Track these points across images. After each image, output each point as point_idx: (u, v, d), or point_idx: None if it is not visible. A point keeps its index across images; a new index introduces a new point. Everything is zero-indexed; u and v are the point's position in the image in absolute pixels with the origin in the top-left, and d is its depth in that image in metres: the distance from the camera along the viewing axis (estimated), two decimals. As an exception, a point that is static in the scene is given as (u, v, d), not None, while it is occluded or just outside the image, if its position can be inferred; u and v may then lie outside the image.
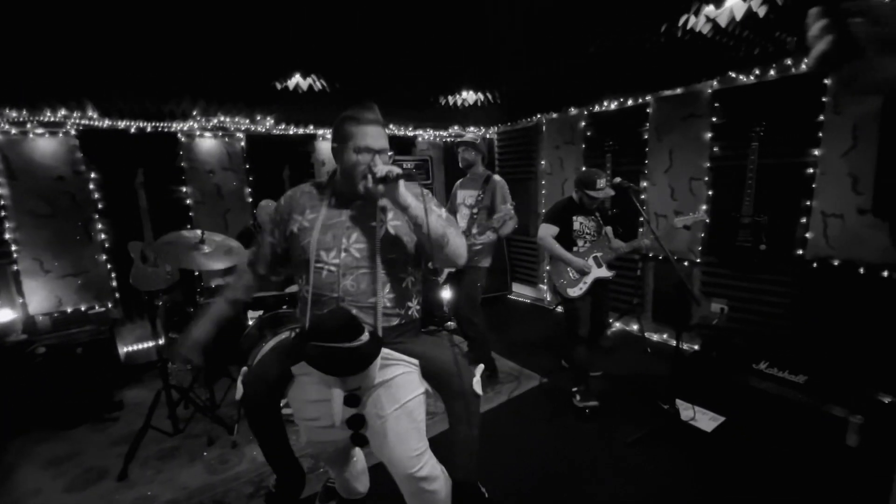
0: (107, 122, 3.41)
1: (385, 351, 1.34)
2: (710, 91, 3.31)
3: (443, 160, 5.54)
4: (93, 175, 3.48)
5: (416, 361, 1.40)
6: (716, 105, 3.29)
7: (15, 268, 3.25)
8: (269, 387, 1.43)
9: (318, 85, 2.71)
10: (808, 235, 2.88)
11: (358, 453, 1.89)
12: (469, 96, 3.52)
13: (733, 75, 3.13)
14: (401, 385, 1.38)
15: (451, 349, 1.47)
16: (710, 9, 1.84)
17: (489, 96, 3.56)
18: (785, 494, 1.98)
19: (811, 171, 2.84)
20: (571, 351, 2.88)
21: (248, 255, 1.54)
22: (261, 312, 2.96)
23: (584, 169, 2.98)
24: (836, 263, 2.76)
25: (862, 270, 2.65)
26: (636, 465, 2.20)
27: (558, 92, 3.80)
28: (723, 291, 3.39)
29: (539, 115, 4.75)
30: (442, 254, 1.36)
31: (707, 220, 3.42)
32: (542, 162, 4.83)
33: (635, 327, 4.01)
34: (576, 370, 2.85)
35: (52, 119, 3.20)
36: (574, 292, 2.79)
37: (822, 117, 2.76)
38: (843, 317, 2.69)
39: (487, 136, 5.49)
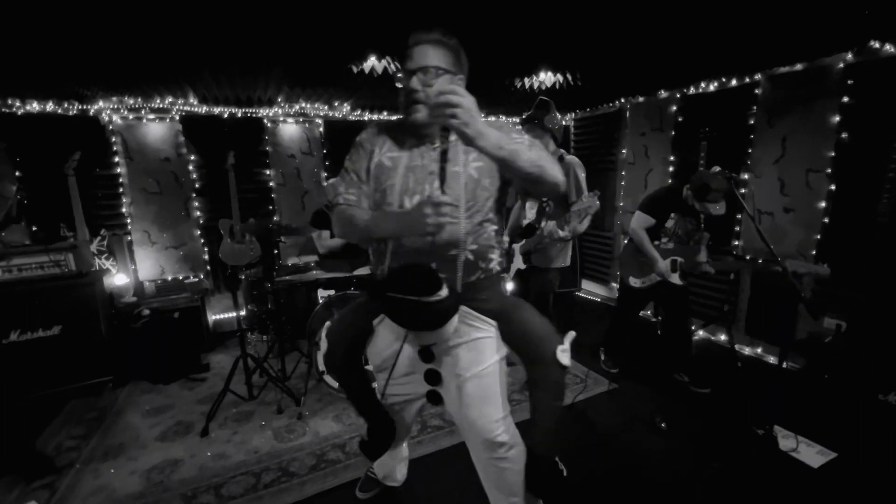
0: (204, 109, 3.73)
1: (464, 309, 1.27)
2: (841, 66, 2.77)
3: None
4: (192, 157, 3.83)
5: (494, 323, 1.32)
6: (849, 83, 2.75)
7: (129, 238, 3.70)
8: (350, 341, 1.43)
9: (392, 68, 2.70)
10: (970, 244, 2.32)
11: (405, 442, 1.88)
12: (547, 78, 3.31)
13: (876, 45, 2.58)
14: (480, 348, 1.31)
15: (535, 312, 1.34)
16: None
17: (569, 78, 3.32)
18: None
19: (982, 163, 2.28)
20: (610, 329, 3.12)
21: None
22: (331, 292, 3.08)
23: (708, 171, 2.49)
24: None
25: None
26: (721, 497, 1.94)
27: (647, 72, 3.44)
28: (841, 305, 2.87)
29: (623, 100, 4.37)
30: (542, 188, 1.19)
31: (825, 220, 2.91)
32: (624, 150, 4.45)
33: (724, 338, 3.57)
34: (607, 342, 3.16)
35: (160, 106, 3.56)
36: (635, 283, 2.80)
37: None
38: None
39: (563, 122, 5.19)
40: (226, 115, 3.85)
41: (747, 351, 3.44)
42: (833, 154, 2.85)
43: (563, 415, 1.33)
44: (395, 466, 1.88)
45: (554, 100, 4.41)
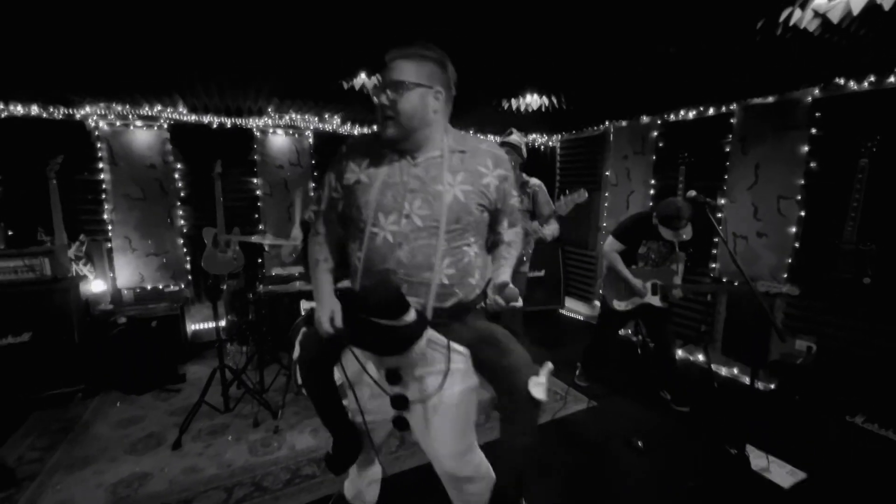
0: (193, 117, 3.73)
1: (433, 335, 1.20)
2: (810, 99, 2.93)
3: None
4: (178, 165, 3.81)
5: (466, 352, 1.24)
6: (816, 115, 2.91)
7: (109, 245, 3.64)
8: (322, 347, 1.34)
9: (381, 85, 2.76)
10: (929, 271, 2.44)
11: (377, 462, 1.85)
12: (533, 101, 3.41)
13: (841, 82, 2.74)
14: (449, 377, 1.24)
15: (511, 339, 1.24)
16: (820, 1, 1.60)
17: (554, 101, 3.42)
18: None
19: (938, 195, 2.41)
20: (590, 347, 3.13)
21: (306, 212, 1.45)
22: (314, 304, 3.06)
23: (673, 200, 2.65)
24: (966, 307, 2.31)
25: None
26: (693, 513, 1.96)
27: (630, 98, 3.58)
28: (811, 328, 2.96)
29: (607, 123, 4.51)
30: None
31: (796, 245, 3.03)
32: (608, 172, 4.57)
33: (701, 358, 3.63)
34: (584, 358, 3.16)
35: (149, 113, 3.56)
36: (619, 305, 2.86)
37: (957, 132, 2.33)
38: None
39: (550, 143, 5.33)
40: (215, 125, 3.86)
41: (724, 371, 3.50)
42: (803, 182, 2.99)
43: (532, 453, 1.25)
44: (364, 488, 1.82)
45: (540, 122, 4.54)
